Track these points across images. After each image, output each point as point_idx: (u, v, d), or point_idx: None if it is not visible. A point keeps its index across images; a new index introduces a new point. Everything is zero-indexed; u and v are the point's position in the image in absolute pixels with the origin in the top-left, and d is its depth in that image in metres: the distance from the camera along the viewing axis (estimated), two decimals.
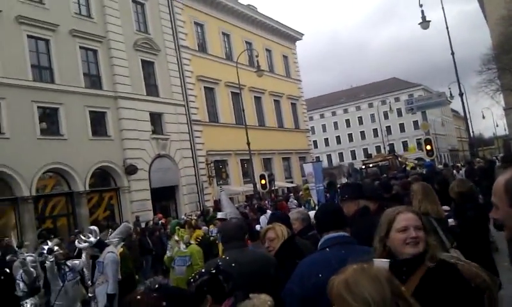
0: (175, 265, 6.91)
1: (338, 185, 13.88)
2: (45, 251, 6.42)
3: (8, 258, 9.00)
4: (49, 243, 6.74)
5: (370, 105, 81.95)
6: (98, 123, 19.55)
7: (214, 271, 2.57)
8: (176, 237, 7.52)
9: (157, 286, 1.84)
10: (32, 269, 6.50)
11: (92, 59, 19.97)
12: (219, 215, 9.38)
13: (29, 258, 6.62)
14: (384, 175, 16.96)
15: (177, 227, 9.21)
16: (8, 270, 8.22)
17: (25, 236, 15.32)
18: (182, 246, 7.17)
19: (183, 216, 18.48)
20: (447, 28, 19.08)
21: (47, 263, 6.39)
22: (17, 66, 16.62)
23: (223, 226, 4.25)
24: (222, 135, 26.21)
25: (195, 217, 14.18)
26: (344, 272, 1.70)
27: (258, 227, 8.53)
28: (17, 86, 16.37)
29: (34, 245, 12.61)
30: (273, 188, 24.09)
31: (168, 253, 7.42)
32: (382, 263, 2.14)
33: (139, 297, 1.83)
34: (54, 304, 6.42)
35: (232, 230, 3.70)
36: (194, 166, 24.12)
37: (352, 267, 1.74)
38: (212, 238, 9.97)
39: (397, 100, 76.14)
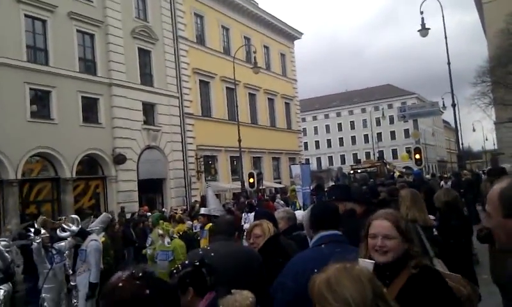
0: (157, 259, 6.88)
1: (326, 188, 13.94)
2: (31, 234, 6.36)
3: None
4: (35, 225, 6.67)
5: (363, 111, 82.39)
6: (90, 109, 19.35)
7: (197, 263, 2.56)
8: (160, 231, 7.49)
9: (141, 274, 1.82)
10: (6, 255, 6.43)
11: (88, 44, 19.75)
12: (202, 210, 9.37)
13: (2, 243, 6.55)
14: (372, 180, 17.06)
15: (161, 221, 9.18)
16: None
17: (8, 220, 15.15)
18: (167, 240, 7.14)
19: (164, 209, 18.36)
20: (446, 37, 19.17)
21: (34, 244, 6.33)
22: (12, 45, 16.37)
23: (216, 220, 4.26)
24: (213, 131, 26.14)
25: (180, 212, 14.11)
26: (326, 270, 1.70)
27: (245, 226, 8.49)
28: (10, 65, 16.14)
29: (17, 229, 12.44)
30: (261, 187, 24.10)
31: (149, 251, 7.39)
32: (366, 263, 2.15)
33: (121, 284, 1.79)
34: (43, 287, 6.37)
35: (222, 225, 3.71)
36: (183, 160, 24.02)
37: (335, 266, 1.74)
38: (195, 233, 9.93)
39: (390, 106, 76.63)
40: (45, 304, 6.42)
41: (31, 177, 17.26)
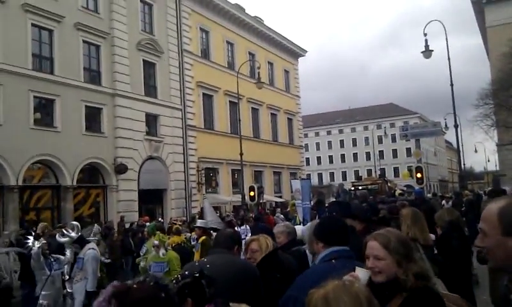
0: (151, 271, 6.86)
1: (327, 204, 13.89)
2: (29, 242, 6.35)
3: None
4: (32, 232, 6.67)
5: (366, 128, 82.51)
6: (93, 118, 19.44)
7: (197, 275, 2.56)
8: (156, 242, 7.47)
9: (154, 281, 1.86)
10: None
11: (94, 54, 19.94)
12: (199, 223, 9.34)
13: None
14: (371, 197, 17.03)
15: (157, 231, 9.15)
16: None
17: (8, 226, 15.12)
18: (162, 251, 7.12)
19: (161, 219, 18.29)
20: (449, 59, 19.32)
21: (34, 250, 6.31)
22: (18, 53, 16.53)
23: (216, 234, 4.26)
24: (215, 143, 26.21)
25: (180, 223, 14.08)
26: (325, 286, 1.70)
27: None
28: (15, 73, 16.27)
29: (15, 236, 12.41)
30: (261, 201, 24.05)
31: (142, 263, 7.35)
32: (363, 272, 2.14)
33: (135, 285, 1.82)
34: (40, 294, 6.34)
35: (221, 238, 3.69)
36: (184, 171, 24.04)
37: (334, 282, 1.74)
38: (193, 246, 9.88)
39: (392, 125, 76.73)
40: None
41: (31, 184, 17.25)
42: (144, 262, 7.47)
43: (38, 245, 6.29)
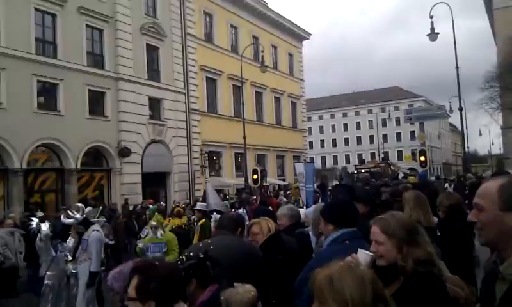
0: (150, 252, 6.96)
1: (330, 187, 13.92)
2: (33, 224, 6.43)
3: None
4: (37, 217, 6.75)
5: (370, 112, 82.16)
6: (96, 102, 19.41)
7: (202, 256, 2.61)
8: (154, 223, 7.58)
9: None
10: None
11: (97, 38, 19.81)
12: (198, 206, 9.41)
13: None
14: (373, 180, 17.02)
15: (156, 213, 9.23)
16: None
17: (13, 208, 15.21)
18: (160, 232, 7.23)
19: (162, 203, 18.37)
20: (455, 42, 19.11)
21: (43, 231, 6.41)
22: (21, 38, 16.46)
23: (220, 216, 4.30)
24: (219, 127, 26.15)
25: (183, 206, 14.18)
26: (330, 267, 1.70)
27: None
28: (19, 57, 16.22)
29: (20, 218, 12.55)
30: (264, 184, 24.11)
31: (140, 244, 7.45)
32: (365, 254, 2.15)
33: (158, 263, 1.96)
34: (46, 274, 6.45)
35: (225, 220, 3.73)
36: (188, 155, 24.07)
37: (339, 263, 1.75)
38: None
39: (396, 108, 76.38)
40: (47, 290, 6.51)
41: (36, 167, 17.35)
42: (141, 244, 7.57)
43: (48, 227, 6.39)
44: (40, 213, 7.01)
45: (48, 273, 6.46)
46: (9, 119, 15.63)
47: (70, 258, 6.45)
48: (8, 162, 15.93)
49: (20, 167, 16.06)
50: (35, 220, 6.62)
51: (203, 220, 8.46)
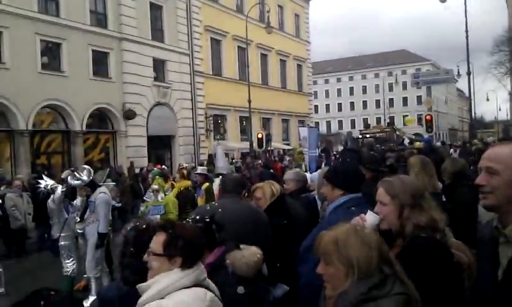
0: (150, 214, 7.10)
1: (335, 152, 13.91)
2: (41, 184, 6.51)
3: None
4: (45, 179, 6.82)
5: (377, 76, 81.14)
6: (100, 63, 19.16)
7: (208, 220, 2.64)
8: (155, 186, 7.71)
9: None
10: None
11: None
12: (199, 170, 9.45)
13: None
14: (377, 146, 16.96)
15: (157, 176, 9.31)
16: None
17: (20, 169, 15.35)
18: (160, 195, 7.38)
19: (164, 166, 18.44)
20: (465, 4, 18.64)
21: (57, 194, 6.52)
22: None
23: (224, 178, 4.27)
24: (223, 90, 25.88)
25: (187, 168, 14.23)
26: (336, 229, 1.73)
27: None
28: (21, 15, 15.91)
29: (28, 180, 12.69)
30: (269, 148, 24.15)
31: (142, 208, 7.61)
32: (373, 217, 2.14)
33: (180, 223, 2.11)
34: (60, 236, 6.61)
35: (230, 183, 3.71)
36: (192, 118, 23.97)
37: (345, 225, 1.78)
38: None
39: (404, 72, 75.34)
40: (63, 251, 6.71)
41: (41, 128, 17.35)
42: (144, 207, 7.76)
43: (63, 190, 6.50)
44: (66, 172, 7.06)
45: (62, 234, 6.63)
46: (13, 80, 15.49)
47: (78, 220, 6.58)
48: (13, 123, 15.90)
49: (26, 128, 16.05)
50: (43, 183, 6.71)
51: (207, 184, 8.52)
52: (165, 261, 1.89)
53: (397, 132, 31.46)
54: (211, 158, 17.25)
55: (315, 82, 58.23)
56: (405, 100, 79.88)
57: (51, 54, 17.51)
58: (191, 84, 23.96)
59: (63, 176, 6.80)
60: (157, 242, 1.93)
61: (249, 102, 22.29)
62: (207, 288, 1.95)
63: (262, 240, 2.98)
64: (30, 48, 16.29)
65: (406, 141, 24.81)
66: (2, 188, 10.95)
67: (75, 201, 6.75)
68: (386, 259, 1.66)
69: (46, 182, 6.80)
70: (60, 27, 17.30)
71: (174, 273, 1.87)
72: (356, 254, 1.60)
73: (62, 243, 6.72)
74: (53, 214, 6.79)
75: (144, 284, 1.90)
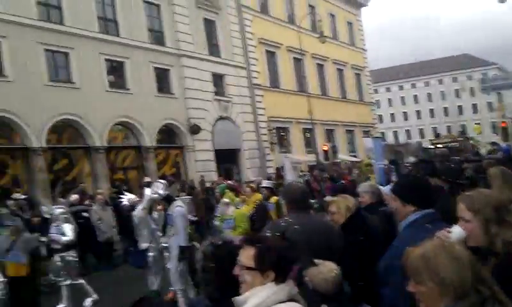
0: (224, 228, 7.27)
1: (406, 163, 13.30)
2: (124, 200, 6.88)
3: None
4: (126, 194, 7.21)
5: (440, 82, 77.66)
6: (162, 80, 19.63)
7: (279, 235, 2.66)
8: (226, 200, 7.88)
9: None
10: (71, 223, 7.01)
11: (155, 14, 19.92)
12: (264, 183, 9.49)
13: (58, 211, 7.11)
14: (454, 157, 16.09)
15: (226, 190, 9.48)
16: (86, 215, 8.89)
17: (100, 184, 15.93)
18: (231, 209, 7.53)
19: (230, 181, 18.46)
20: None
21: (138, 210, 6.87)
22: (85, 17, 16.76)
23: (286, 188, 4.19)
24: (283, 102, 25.61)
25: (257, 182, 14.31)
26: (423, 246, 1.66)
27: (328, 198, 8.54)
28: (85, 36, 16.58)
29: (109, 194, 13.30)
30: (336, 160, 23.65)
31: (216, 222, 7.80)
32: (459, 230, 2.07)
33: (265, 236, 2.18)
34: (149, 247, 7.08)
35: (298, 193, 3.54)
36: (255, 131, 23.91)
37: (432, 242, 1.72)
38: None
39: (469, 78, 71.60)
40: (154, 262, 7.03)
41: (116, 144, 17.91)
42: (219, 222, 7.95)
43: (144, 206, 6.86)
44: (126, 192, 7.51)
45: (152, 245, 6.98)
46: (83, 99, 16.09)
47: (161, 234, 6.90)
48: (89, 140, 16.52)
49: (101, 145, 16.66)
50: (125, 197, 7.11)
51: (276, 198, 8.54)
52: (257, 275, 1.88)
53: (471, 141, 29.78)
54: (279, 172, 17.13)
55: (376, 91, 56.75)
56: (475, 106, 75.64)
57: (115, 72, 18.06)
58: (250, 97, 24.01)
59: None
60: (247, 256, 1.91)
61: (310, 113, 21.94)
62: (299, 302, 1.93)
63: (335, 257, 2.92)
64: (96, 67, 16.92)
65: (482, 151, 23.33)
66: (86, 202, 11.56)
67: (153, 214, 7.10)
68: (482, 278, 1.57)
69: (127, 196, 7.18)
70: (122, 46, 17.90)
71: (269, 287, 1.85)
72: (447, 272, 1.53)
73: (151, 254, 7.05)
74: (139, 226, 7.14)
75: (240, 297, 1.89)
